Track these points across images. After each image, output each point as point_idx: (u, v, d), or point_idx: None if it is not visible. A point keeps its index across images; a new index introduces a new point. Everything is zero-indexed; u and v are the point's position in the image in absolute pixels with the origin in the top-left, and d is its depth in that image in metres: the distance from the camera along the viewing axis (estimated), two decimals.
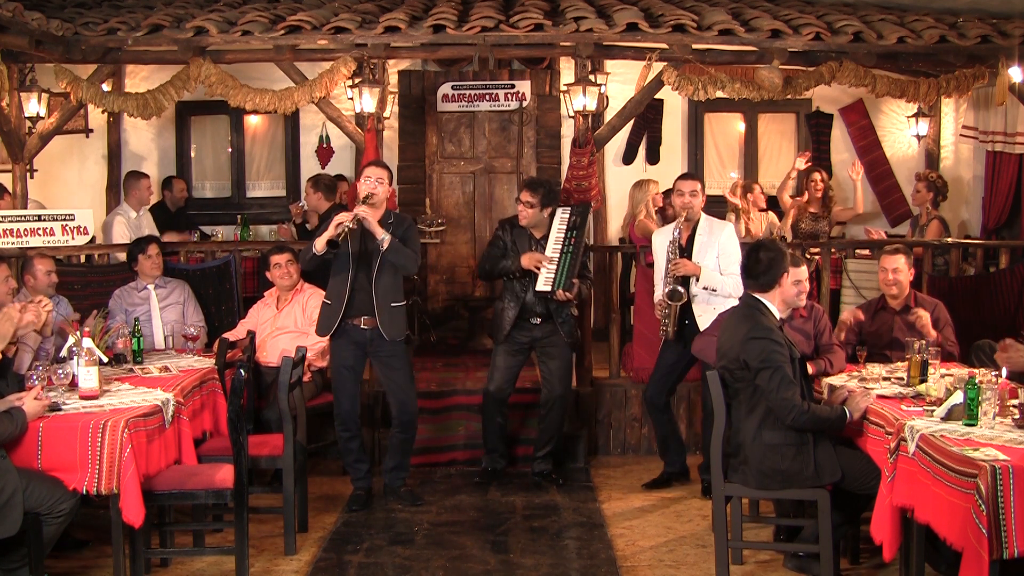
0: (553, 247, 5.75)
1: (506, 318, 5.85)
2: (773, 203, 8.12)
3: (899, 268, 5.36)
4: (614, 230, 9.02)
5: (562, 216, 5.84)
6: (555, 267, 5.69)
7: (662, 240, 5.81)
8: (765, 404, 4.22)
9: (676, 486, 5.90)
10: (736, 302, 5.27)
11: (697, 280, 5.57)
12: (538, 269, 5.70)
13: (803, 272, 5.05)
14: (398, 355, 5.46)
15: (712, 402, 4.41)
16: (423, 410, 5.98)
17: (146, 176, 7.92)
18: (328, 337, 5.47)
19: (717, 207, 7.27)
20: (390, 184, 5.47)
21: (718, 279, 5.54)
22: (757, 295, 4.39)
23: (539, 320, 5.84)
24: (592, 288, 6.23)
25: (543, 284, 5.69)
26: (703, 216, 5.71)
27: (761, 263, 4.34)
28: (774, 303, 4.38)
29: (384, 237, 5.24)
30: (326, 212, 7.41)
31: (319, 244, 5.19)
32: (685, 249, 5.66)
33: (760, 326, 4.26)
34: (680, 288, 5.57)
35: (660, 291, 5.76)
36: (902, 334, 5.21)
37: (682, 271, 5.57)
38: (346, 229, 5.15)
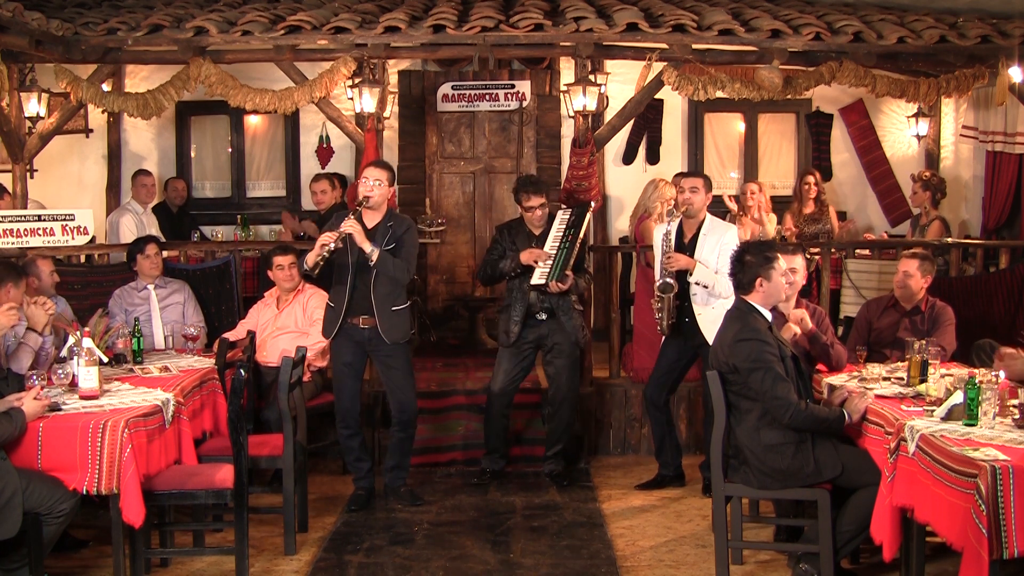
0: (551, 244, 5.76)
1: (512, 318, 5.83)
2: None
3: (910, 272, 5.42)
4: (615, 230, 9.01)
5: (562, 216, 5.86)
6: (551, 262, 5.70)
7: (661, 235, 5.81)
8: (761, 405, 4.22)
9: (672, 487, 5.88)
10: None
11: (690, 275, 5.56)
12: (536, 264, 5.71)
13: (797, 261, 5.08)
14: (397, 354, 5.45)
15: (712, 402, 4.41)
16: (423, 410, 5.97)
17: (150, 174, 8.00)
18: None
19: (718, 208, 7.24)
20: (391, 184, 5.43)
21: (711, 276, 5.50)
22: (745, 298, 4.40)
23: (545, 316, 5.84)
24: (591, 285, 6.22)
25: (538, 278, 5.70)
26: (708, 216, 5.69)
27: (737, 266, 4.43)
28: (759, 303, 4.37)
29: (372, 251, 5.19)
30: (328, 210, 7.43)
31: (309, 261, 5.21)
32: (688, 247, 5.63)
33: (748, 328, 4.27)
34: (670, 280, 5.54)
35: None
36: (906, 334, 5.22)
37: (675, 265, 5.54)
38: (328, 252, 5.14)
